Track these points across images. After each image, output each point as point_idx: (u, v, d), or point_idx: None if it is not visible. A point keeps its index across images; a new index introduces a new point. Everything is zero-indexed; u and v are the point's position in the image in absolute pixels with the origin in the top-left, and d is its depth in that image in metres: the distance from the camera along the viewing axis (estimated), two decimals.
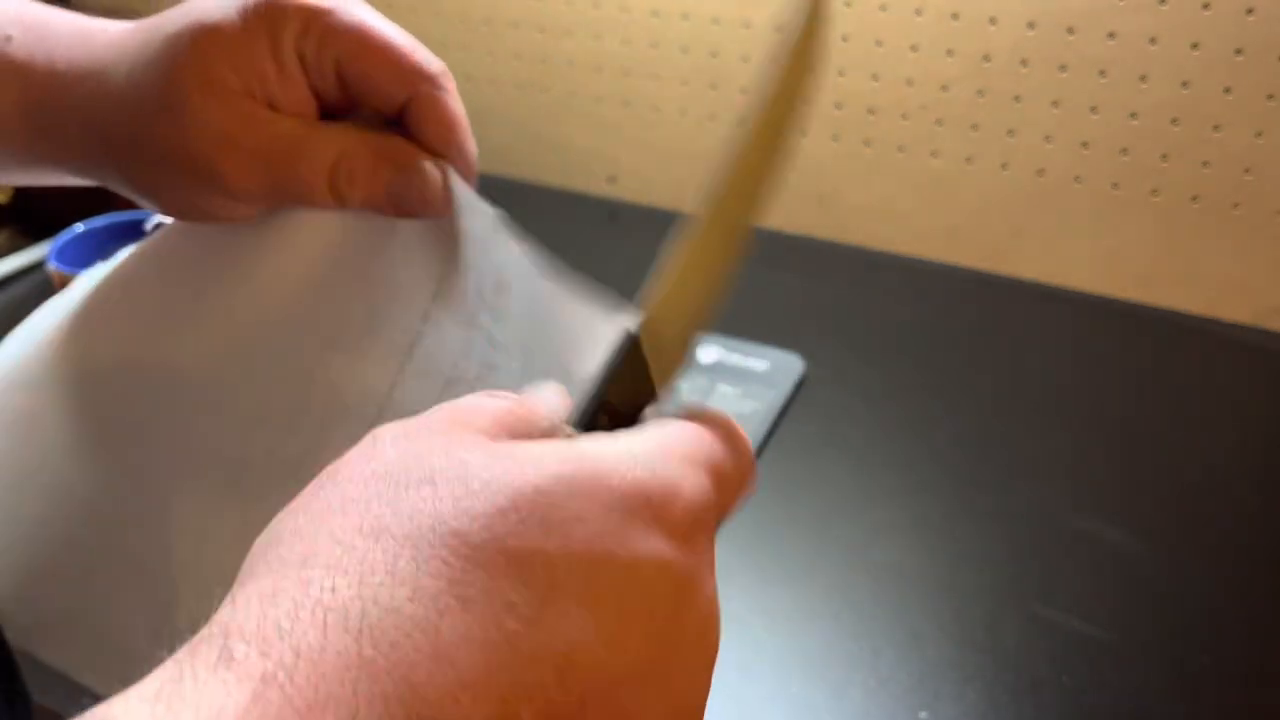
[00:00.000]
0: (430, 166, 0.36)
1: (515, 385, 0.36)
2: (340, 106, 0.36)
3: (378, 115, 0.37)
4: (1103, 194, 0.85)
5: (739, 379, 0.75)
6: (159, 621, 0.36)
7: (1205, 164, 0.80)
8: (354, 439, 0.32)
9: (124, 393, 0.39)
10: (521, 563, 0.20)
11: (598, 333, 0.38)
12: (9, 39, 0.37)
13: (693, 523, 0.23)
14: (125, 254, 0.42)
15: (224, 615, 0.20)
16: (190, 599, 0.36)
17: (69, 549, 0.38)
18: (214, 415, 0.37)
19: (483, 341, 0.37)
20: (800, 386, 0.76)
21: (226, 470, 0.37)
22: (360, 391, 0.37)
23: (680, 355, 0.29)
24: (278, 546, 0.21)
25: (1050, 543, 0.63)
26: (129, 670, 0.28)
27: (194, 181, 0.35)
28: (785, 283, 0.88)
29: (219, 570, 0.27)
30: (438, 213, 0.37)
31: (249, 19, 0.34)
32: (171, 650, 0.19)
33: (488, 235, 0.38)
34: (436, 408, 0.25)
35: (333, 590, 0.19)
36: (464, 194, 0.37)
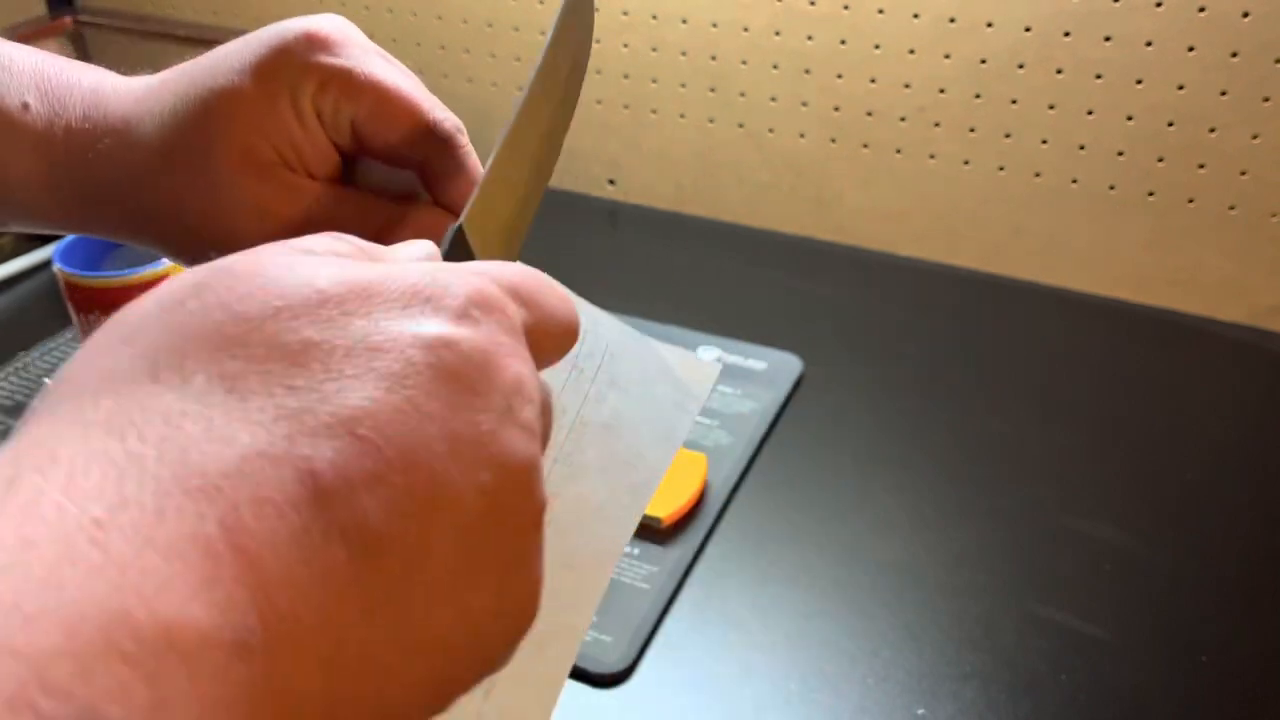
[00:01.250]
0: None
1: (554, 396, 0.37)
2: (357, 155, 0.37)
3: (390, 167, 0.37)
4: (1099, 196, 0.85)
5: (738, 379, 0.75)
6: None
7: (1201, 166, 0.81)
8: None
9: None
10: (295, 353, 0.20)
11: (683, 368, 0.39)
12: (26, 107, 0.37)
13: (474, 305, 0.23)
14: None
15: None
16: None
17: None
18: None
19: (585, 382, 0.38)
20: (798, 386, 0.76)
21: None
22: None
23: (504, 253, 0.32)
24: (59, 386, 0.21)
25: (1048, 542, 0.63)
26: None
27: (226, 246, 0.34)
28: (784, 283, 0.89)
29: None
30: None
31: (268, 82, 0.34)
32: None
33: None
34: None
35: (96, 408, 0.19)
36: None
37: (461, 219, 0.30)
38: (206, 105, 0.34)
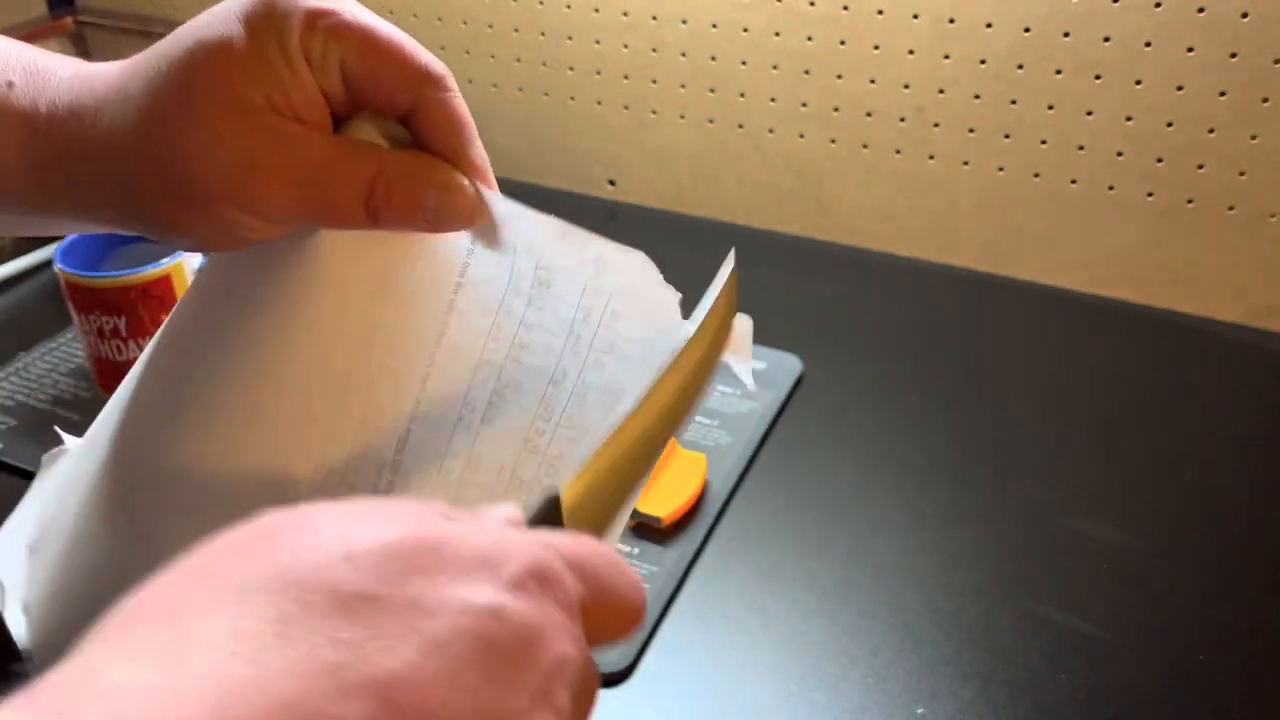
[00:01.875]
0: (466, 183, 0.36)
1: (554, 359, 0.37)
2: (345, 108, 0.36)
3: (382, 117, 0.37)
4: (1098, 196, 0.85)
5: (737, 379, 0.75)
6: None
7: (1200, 166, 0.81)
8: (396, 434, 0.34)
9: (164, 438, 0.40)
10: (349, 604, 0.20)
11: (659, 328, 0.39)
12: (10, 85, 0.36)
13: (531, 578, 0.23)
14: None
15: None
16: None
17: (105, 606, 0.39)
18: (257, 444, 0.38)
19: (512, 323, 0.38)
20: (798, 386, 0.76)
21: (273, 494, 0.37)
22: (395, 386, 0.37)
23: (595, 529, 0.31)
24: (130, 607, 0.21)
25: (1046, 541, 0.63)
26: None
27: (218, 205, 0.34)
28: (783, 283, 0.89)
29: None
30: (471, 226, 0.37)
31: (254, 26, 0.33)
32: None
33: (519, 234, 0.38)
34: None
35: (152, 637, 0.20)
36: (499, 203, 0.37)
37: (560, 485, 0.29)
38: (192, 56, 0.33)
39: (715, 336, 0.34)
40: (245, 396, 0.37)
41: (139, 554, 0.40)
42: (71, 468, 0.44)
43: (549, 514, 0.28)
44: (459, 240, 0.38)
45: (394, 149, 0.36)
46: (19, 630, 0.44)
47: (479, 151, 0.37)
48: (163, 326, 0.42)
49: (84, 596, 0.41)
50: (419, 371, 0.37)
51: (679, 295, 0.39)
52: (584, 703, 0.25)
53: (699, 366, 0.35)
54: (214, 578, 0.21)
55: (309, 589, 0.20)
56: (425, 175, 0.35)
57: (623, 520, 0.32)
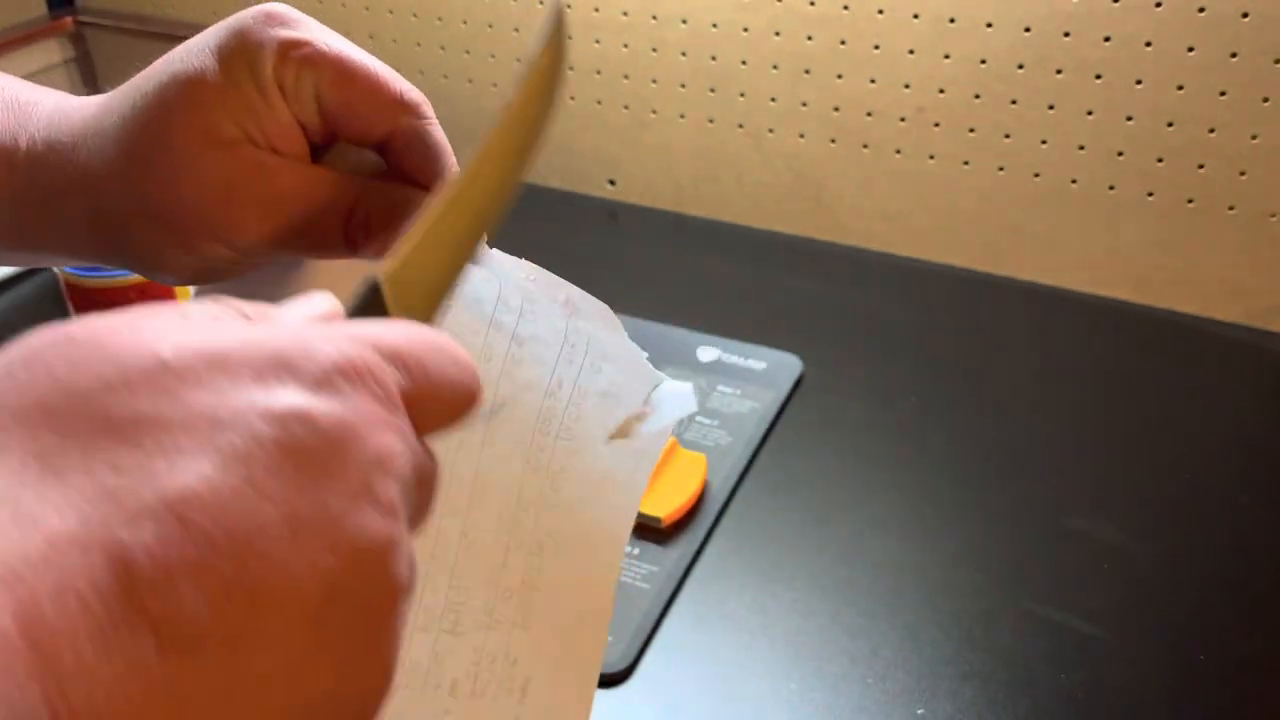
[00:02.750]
0: None
1: (548, 370, 0.37)
2: (322, 137, 0.36)
3: (359, 148, 0.36)
4: (1098, 196, 0.85)
5: (737, 379, 0.75)
6: None
7: (1200, 166, 0.81)
8: None
9: None
10: (126, 428, 0.19)
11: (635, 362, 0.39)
12: None
13: (338, 373, 0.21)
14: None
15: None
16: None
17: None
18: None
19: (504, 340, 0.37)
20: (798, 386, 0.76)
21: None
22: None
23: (424, 313, 0.29)
24: None
25: (1046, 541, 0.63)
26: None
27: (197, 237, 0.34)
28: (783, 283, 0.89)
29: None
30: None
31: (227, 58, 0.33)
32: None
33: (495, 264, 0.38)
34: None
35: None
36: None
37: (380, 272, 0.26)
38: (165, 90, 0.33)
39: (544, 88, 0.32)
40: None
41: None
42: None
43: (371, 304, 0.26)
44: None
45: (372, 178, 0.36)
46: None
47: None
48: None
49: None
50: None
51: (645, 353, 0.39)
52: (422, 495, 0.23)
53: (527, 121, 0.32)
54: None
55: (73, 419, 0.19)
56: (403, 204, 0.35)
57: (450, 295, 0.30)
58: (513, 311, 0.37)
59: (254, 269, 0.36)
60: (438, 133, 0.36)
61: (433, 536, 0.36)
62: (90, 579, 0.17)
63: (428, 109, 0.36)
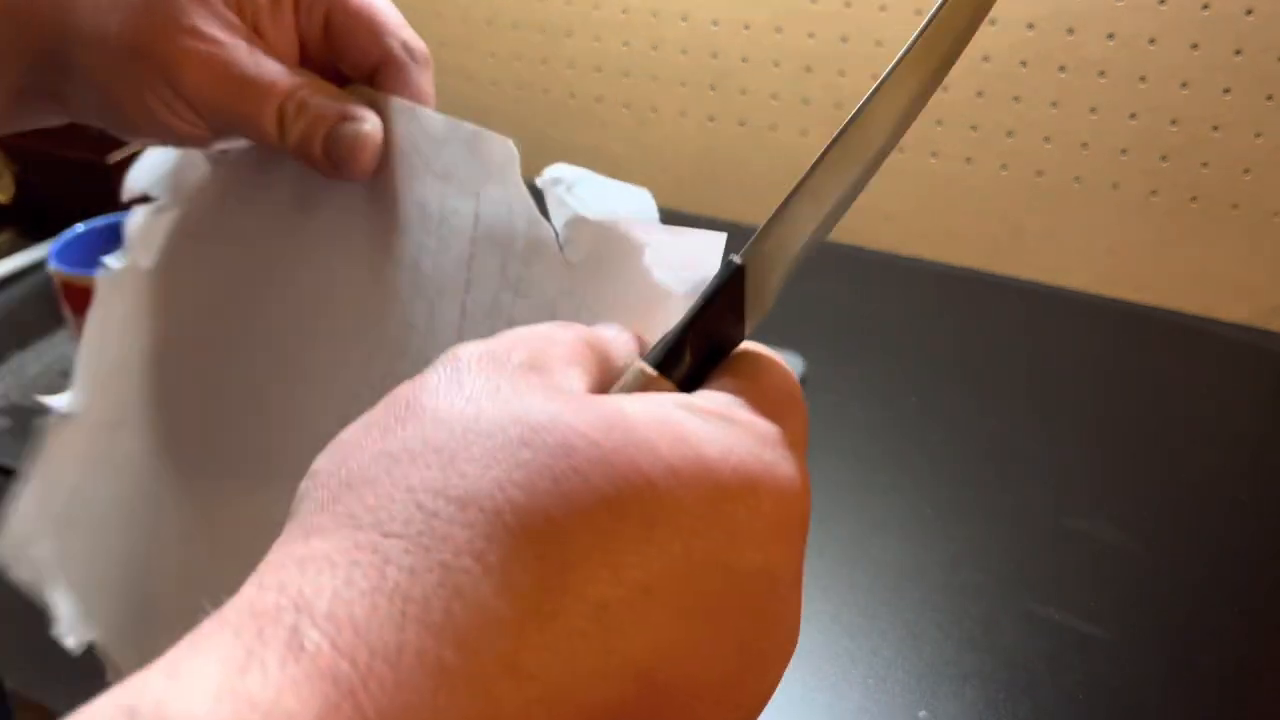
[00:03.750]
0: (373, 128, 0.35)
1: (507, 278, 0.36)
2: (317, 61, 0.36)
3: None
4: (1102, 194, 0.85)
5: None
6: None
7: (1204, 164, 0.80)
8: (416, 352, 0.32)
9: (213, 410, 0.40)
10: (617, 561, 0.18)
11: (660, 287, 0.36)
12: None
13: (790, 514, 0.21)
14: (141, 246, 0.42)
15: (291, 579, 0.17)
16: None
17: (178, 588, 0.39)
18: (309, 398, 0.38)
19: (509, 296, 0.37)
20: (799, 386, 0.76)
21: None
22: (424, 321, 0.37)
23: (773, 294, 0.28)
24: (345, 489, 0.19)
25: (1048, 541, 0.63)
26: None
27: (153, 78, 0.34)
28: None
29: None
30: (358, 174, 0.36)
31: None
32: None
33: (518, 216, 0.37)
34: (509, 333, 0.23)
35: (410, 572, 0.17)
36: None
37: (742, 255, 0.26)
38: None
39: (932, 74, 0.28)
40: (292, 355, 0.38)
41: (203, 529, 0.40)
42: (95, 441, 0.44)
43: (730, 292, 0.26)
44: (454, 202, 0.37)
45: (329, 81, 0.36)
46: (67, 613, 0.43)
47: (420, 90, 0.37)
48: (158, 310, 0.41)
49: (150, 582, 0.41)
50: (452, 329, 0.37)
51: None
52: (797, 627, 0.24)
53: (910, 103, 0.29)
54: (453, 479, 0.19)
55: (568, 531, 0.18)
56: (340, 101, 0.35)
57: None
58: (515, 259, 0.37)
59: (198, 140, 0.36)
60: (425, 82, 0.37)
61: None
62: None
63: (426, 62, 0.37)
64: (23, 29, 0.35)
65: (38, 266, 0.87)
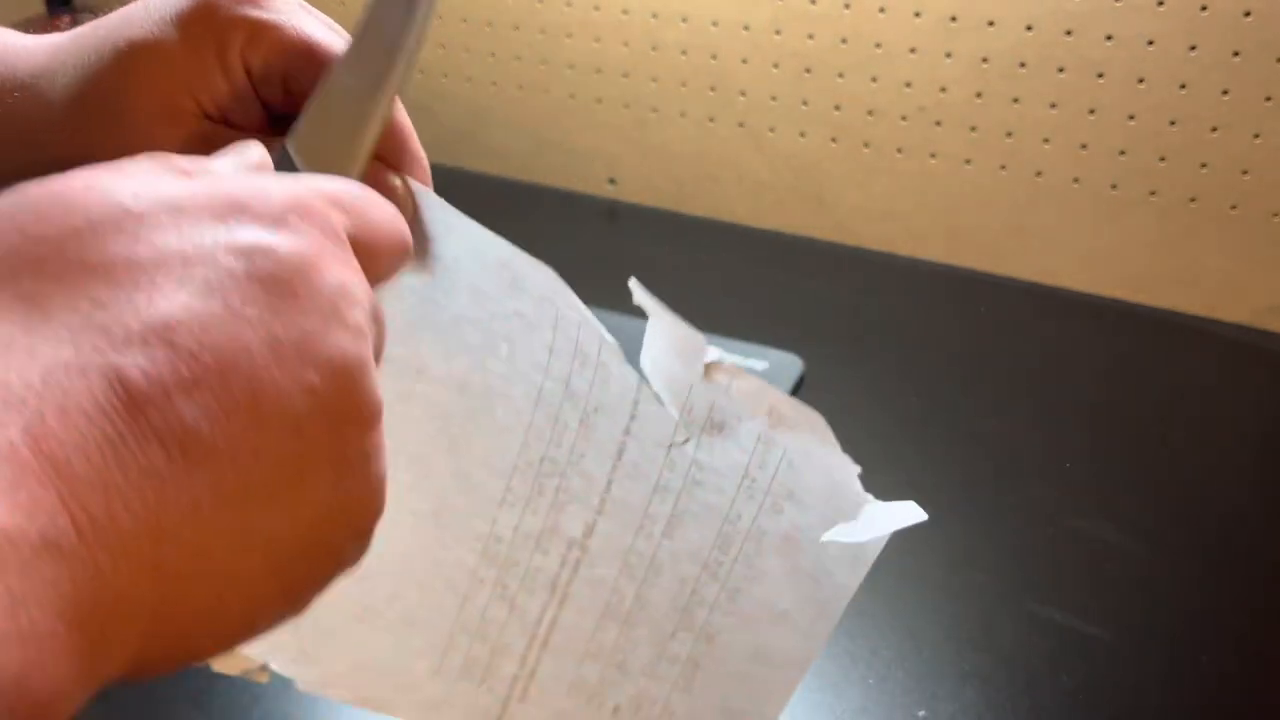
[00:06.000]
0: (397, 182, 0.35)
1: (727, 500, 0.37)
2: (284, 110, 0.35)
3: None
4: (1101, 195, 0.85)
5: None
6: (437, 661, 0.38)
7: (1203, 165, 0.81)
8: (584, 520, 0.36)
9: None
10: (101, 269, 0.20)
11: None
12: None
13: (291, 212, 0.22)
14: None
15: None
16: (463, 640, 0.38)
17: (359, 609, 0.39)
18: (468, 506, 0.38)
19: (684, 460, 0.37)
20: (798, 386, 0.76)
21: (476, 545, 0.37)
22: (587, 483, 0.37)
23: (342, 173, 0.30)
24: None
25: (1048, 542, 0.63)
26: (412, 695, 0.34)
27: None
28: (784, 283, 0.89)
29: (480, 613, 0.35)
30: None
31: (193, 33, 0.32)
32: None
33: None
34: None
35: None
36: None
37: (288, 138, 0.29)
38: (122, 57, 0.32)
39: None
40: (457, 461, 0.37)
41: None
42: None
43: (285, 169, 0.28)
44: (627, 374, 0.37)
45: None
46: None
47: (419, 158, 0.36)
48: None
49: None
50: (603, 476, 0.37)
51: (858, 468, 0.39)
52: (378, 332, 0.25)
53: None
54: None
55: (48, 265, 0.20)
56: (340, 200, 0.35)
57: (365, 157, 0.31)
58: (694, 436, 0.38)
59: None
60: (401, 115, 0.35)
61: (610, 588, 0.37)
62: (92, 399, 0.18)
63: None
64: None
65: None
